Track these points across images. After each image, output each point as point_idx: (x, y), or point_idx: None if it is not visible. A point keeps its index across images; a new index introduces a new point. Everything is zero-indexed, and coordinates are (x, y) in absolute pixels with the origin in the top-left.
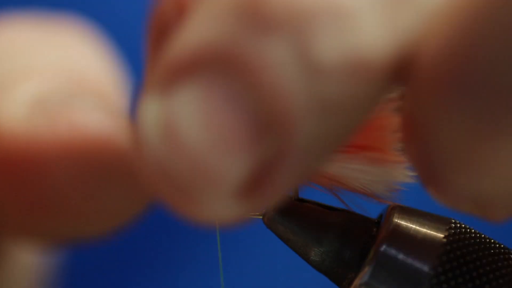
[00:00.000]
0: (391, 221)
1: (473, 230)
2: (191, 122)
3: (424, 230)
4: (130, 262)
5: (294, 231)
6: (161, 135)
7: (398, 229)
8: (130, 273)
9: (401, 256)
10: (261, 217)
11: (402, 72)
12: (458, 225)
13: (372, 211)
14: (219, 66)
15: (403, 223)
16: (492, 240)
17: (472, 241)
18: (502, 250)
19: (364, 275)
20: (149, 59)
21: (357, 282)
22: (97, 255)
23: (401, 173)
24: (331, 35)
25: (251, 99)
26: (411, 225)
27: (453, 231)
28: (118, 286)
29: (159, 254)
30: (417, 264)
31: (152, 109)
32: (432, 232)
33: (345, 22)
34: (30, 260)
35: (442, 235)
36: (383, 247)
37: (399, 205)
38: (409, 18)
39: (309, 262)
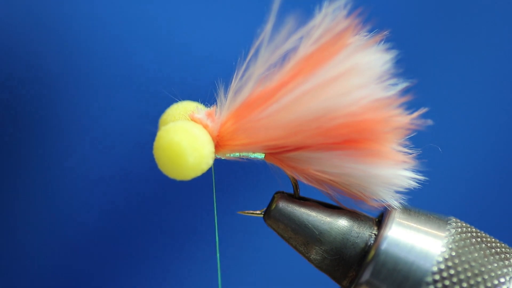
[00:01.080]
0: (392, 220)
1: (473, 229)
2: None
3: (425, 228)
4: (130, 262)
5: (295, 229)
6: None
7: (399, 227)
8: (130, 273)
9: (402, 255)
10: (261, 215)
11: None
12: (459, 223)
13: (372, 210)
14: None
15: (404, 222)
16: (493, 239)
17: (473, 240)
18: (504, 249)
19: (365, 273)
20: None
21: (358, 280)
22: (97, 255)
23: (401, 172)
24: None
25: None
26: (412, 224)
27: (453, 229)
28: (117, 285)
29: (158, 254)
30: (418, 263)
31: None
32: (433, 231)
33: None
34: None
35: (443, 234)
36: (384, 246)
37: (400, 204)
38: None
39: (309, 260)
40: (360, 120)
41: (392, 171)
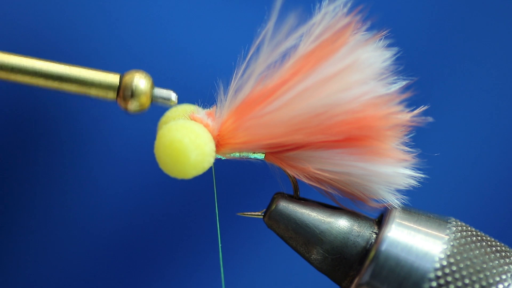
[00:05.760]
0: (392, 220)
1: (473, 229)
2: None
3: (425, 229)
4: (131, 263)
5: (296, 229)
6: None
7: (399, 228)
8: (131, 274)
9: (402, 255)
10: (261, 216)
11: None
12: (459, 224)
13: (372, 211)
14: None
15: (404, 222)
16: (492, 239)
17: (474, 238)
18: (503, 248)
19: (365, 274)
20: None
21: (358, 281)
22: (97, 256)
23: (402, 170)
24: None
25: None
26: (412, 225)
27: (454, 228)
28: (118, 286)
29: (159, 255)
30: (419, 262)
31: None
32: (433, 232)
33: None
34: None
35: (442, 234)
36: (384, 247)
37: (399, 204)
38: None
39: (310, 261)
40: (361, 117)
41: (393, 169)
